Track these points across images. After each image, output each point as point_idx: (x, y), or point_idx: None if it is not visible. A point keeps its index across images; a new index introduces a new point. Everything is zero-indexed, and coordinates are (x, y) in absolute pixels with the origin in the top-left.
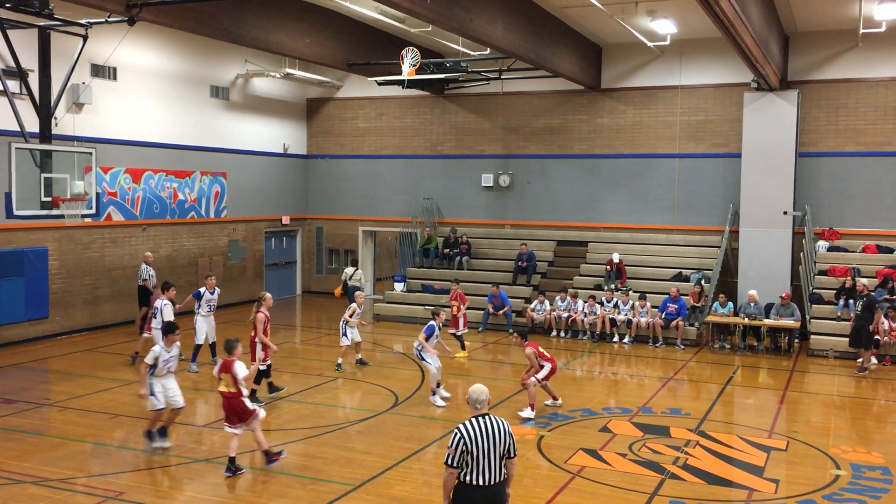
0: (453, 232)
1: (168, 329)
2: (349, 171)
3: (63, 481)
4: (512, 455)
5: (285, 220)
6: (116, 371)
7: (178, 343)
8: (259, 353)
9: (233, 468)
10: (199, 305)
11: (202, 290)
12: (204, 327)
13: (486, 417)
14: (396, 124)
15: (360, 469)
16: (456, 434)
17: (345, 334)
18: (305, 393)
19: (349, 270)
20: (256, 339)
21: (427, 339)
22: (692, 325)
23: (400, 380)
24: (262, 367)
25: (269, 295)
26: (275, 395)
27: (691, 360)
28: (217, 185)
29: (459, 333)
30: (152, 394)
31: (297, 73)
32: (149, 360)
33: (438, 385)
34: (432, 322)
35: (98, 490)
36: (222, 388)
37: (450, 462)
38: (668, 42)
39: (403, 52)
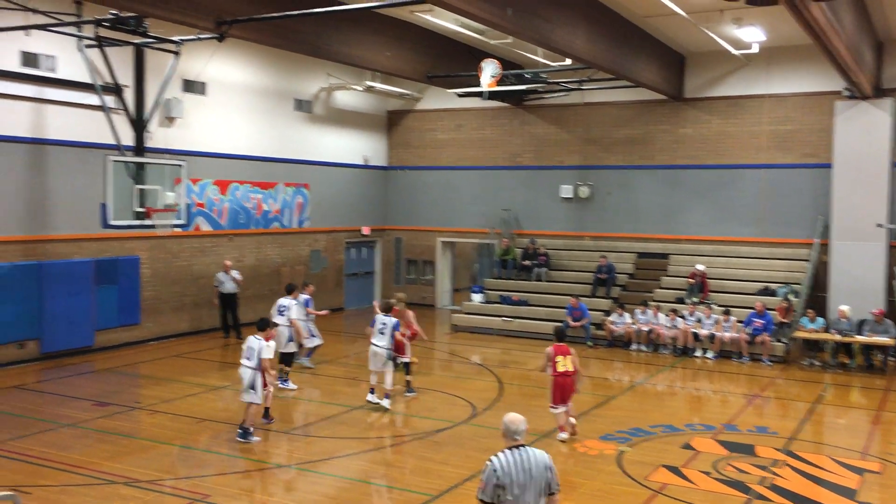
0: (532, 243)
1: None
2: (428, 182)
3: (152, 483)
4: (553, 491)
5: (365, 230)
6: (203, 376)
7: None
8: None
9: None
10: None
11: (305, 296)
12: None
13: (523, 449)
14: (475, 136)
15: (437, 479)
16: (488, 466)
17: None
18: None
19: None
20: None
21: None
22: (779, 340)
23: (477, 390)
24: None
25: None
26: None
27: (778, 376)
28: (300, 197)
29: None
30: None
31: (378, 85)
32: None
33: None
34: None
35: (185, 492)
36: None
37: (481, 497)
38: (754, 50)
39: (483, 63)
